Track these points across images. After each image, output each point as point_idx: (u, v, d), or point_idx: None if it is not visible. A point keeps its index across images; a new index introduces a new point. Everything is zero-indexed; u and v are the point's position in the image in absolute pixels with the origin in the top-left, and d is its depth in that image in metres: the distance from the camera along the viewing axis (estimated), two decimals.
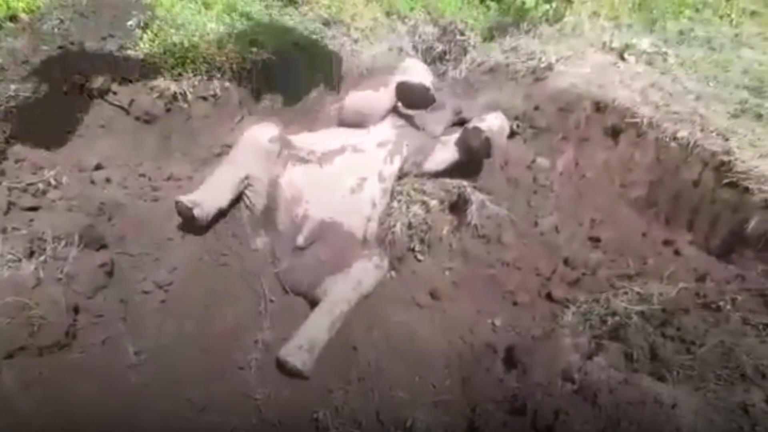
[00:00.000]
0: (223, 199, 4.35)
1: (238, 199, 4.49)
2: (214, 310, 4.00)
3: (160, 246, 4.29)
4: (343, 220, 4.33)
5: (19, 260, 3.52)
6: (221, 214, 4.41)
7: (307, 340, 3.78)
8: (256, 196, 4.43)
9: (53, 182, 4.25)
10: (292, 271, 4.23)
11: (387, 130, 4.84)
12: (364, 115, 4.92)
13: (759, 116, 4.99)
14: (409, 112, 5.04)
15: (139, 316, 3.84)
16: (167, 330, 3.83)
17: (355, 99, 4.99)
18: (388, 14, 6.81)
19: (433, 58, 6.69)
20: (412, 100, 4.91)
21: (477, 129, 4.75)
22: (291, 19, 6.54)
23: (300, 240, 4.25)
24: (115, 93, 4.96)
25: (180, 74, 5.42)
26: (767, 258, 4.10)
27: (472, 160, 4.91)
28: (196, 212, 4.17)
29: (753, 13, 6.36)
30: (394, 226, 4.39)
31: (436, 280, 4.37)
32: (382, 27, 6.62)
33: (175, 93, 5.29)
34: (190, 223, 4.26)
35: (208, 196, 4.30)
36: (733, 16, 6.23)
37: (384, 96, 4.95)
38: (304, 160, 4.50)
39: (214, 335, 3.86)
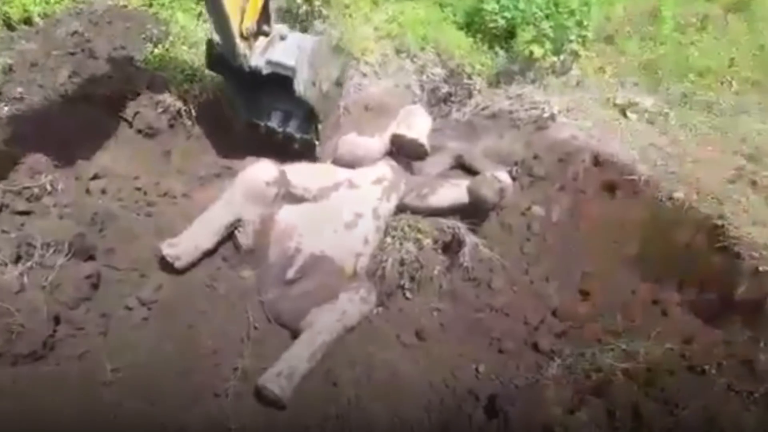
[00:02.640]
0: (209, 242, 4.32)
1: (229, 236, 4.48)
2: (196, 332, 3.94)
3: (148, 262, 4.25)
4: (334, 254, 4.33)
5: (5, 264, 3.48)
6: (208, 254, 4.37)
7: (287, 367, 3.73)
8: (245, 235, 4.41)
9: (49, 188, 4.22)
10: (279, 302, 4.20)
11: (384, 167, 4.87)
12: (358, 157, 4.98)
13: (754, 183, 5.04)
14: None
15: (120, 332, 3.79)
16: (146, 348, 3.76)
17: (352, 142, 5.04)
18: (398, 52, 6.89)
19: (438, 99, 6.75)
20: (406, 152, 4.97)
21: (495, 178, 4.78)
22: None
23: (290, 273, 4.24)
24: (120, 104, 4.97)
25: (187, 91, 5.47)
26: (755, 325, 4.09)
27: (478, 207, 4.91)
28: (177, 264, 4.15)
29: (754, 83, 6.47)
30: (386, 261, 4.38)
31: (423, 319, 4.35)
32: (391, 64, 6.69)
33: (180, 109, 5.33)
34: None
35: (195, 239, 4.25)
36: (734, 83, 6.34)
37: (379, 143, 5.04)
38: (300, 198, 4.52)
39: (193, 358, 3.80)
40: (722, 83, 6.34)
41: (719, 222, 4.64)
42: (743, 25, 7.31)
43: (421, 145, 4.89)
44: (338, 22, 6.93)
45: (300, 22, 6.77)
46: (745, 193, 4.94)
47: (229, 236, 4.42)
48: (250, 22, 4.46)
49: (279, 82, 4.60)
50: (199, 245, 4.26)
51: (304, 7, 6.66)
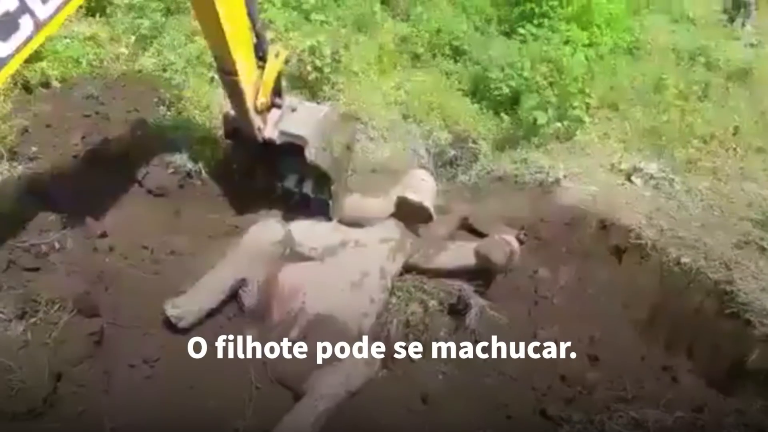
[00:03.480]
0: (212, 302, 4.27)
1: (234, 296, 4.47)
2: (198, 392, 3.87)
3: (152, 320, 4.22)
4: (340, 314, 4.27)
5: (10, 320, 3.48)
6: (211, 314, 4.32)
7: None
8: (249, 296, 4.36)
9: (57, 245, 4.24)
10: (281, 363, 4.13)
11: (391, 227, 4.89)
12: (363, 218, 5.01)
13: (762, 249, 5.04)
14: None
15: (121, 391, 3.72)
16: (147, 408, 3.68)
17: (356, 202, 5.10)
18: (405, 117, 7.06)
19: (444, 162, 6.86)
20: (410, 216, 4.98)
21: (504, 241, 4.77)
22: None
23: (293, 333, 4.19)
24: (131, 165, 5.06)
25: (198, 153, 5.57)
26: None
27: (486, 270, 4.90)
28: (180, 324, 4.12)
29: (758, 149, 6.56)
30: (391, 322, 4.33)
31: (429, 383, 4.24)
32: (398, 128, 6.84)
33: (191, 170, 5.41)
34: None
35: (199, 300, 4.22)
36: (738, 150, 6.42)
37: (383, 204, 5.04)
38: (306, 257, 4.52)
39: (194, 419, 3.71)
40: (726, 150, 6.42)
41: (728, 288, 4.63)
42: (744, 93, 7.46)
43: (426, 209, 4.91)
44: (347, 88, 7.13)
45: (310, 88, 6.97)
46: (754, 259, 4.94)
47: (234, 295, 4.40)
48: (264, 98, 4.73)
49: (293, 149, 4.80)
50: (203, 306, 4.24)
51: (314, 75, 6.86)
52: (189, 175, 5.39)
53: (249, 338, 4.25)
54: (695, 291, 4.71)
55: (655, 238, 5.06)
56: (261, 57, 4.79)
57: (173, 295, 4.21)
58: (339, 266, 4.51)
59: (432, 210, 4.96)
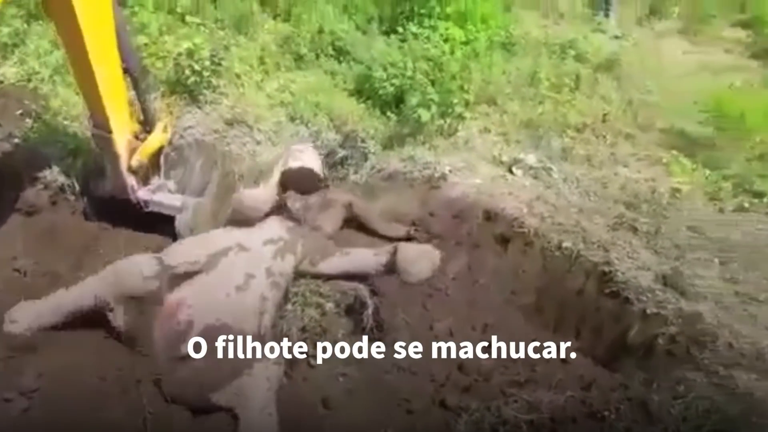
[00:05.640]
0: (52, 321, 4.10)
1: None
2: (83, 420, 3.63)
3: (27, 348, 3.93)
4: (232, 320, 4.15)
5: None
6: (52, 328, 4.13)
7: None
8: (119, 319, 4.15)
9: None
10: (178, 381, 3.96)
11: (276, 228, 4.78)
12: (248, 209, 4.87)
13: (635, 230, 5.38)
14: (298, 208, 5.05)
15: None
16: None
17: (239, 197, 4.95)
18: (291, 119, 6.95)
19: (334, 163, 6.81)
20: (299, 187, 4.87)
21: (426, 251, 4.96)
22: (193, 117, 6.55)
23: (184, 349, 4.02)
24: None
25: (70, 166, 5.25)
26: (648, 366, 4.28)
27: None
28: (11, 329, 3.98)
29: (627, 135, 6.99)
30: (289, 330, 4.25)
31: (330, 387, 4.20)
32: (286, 130, 6.72)
33: (63, 185, 5.09)
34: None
35: (39, 316, 4.06)
36: (608, 137, 6.82)
37: (268, 192, 4.95)
38: (186, 275, 4.35)
39: None
40: (598, 137, 6.79)
41: (607, 269, 4.90)
42: (612, 83, 7.94)
43: (311, 171, 4.86)
44: (229, 92, 6.93)
45: (190, 92, 6.72)
46: (628, 239, 5.26)
47: (87, 318, 4.16)
48: (142, 159, 4.96)
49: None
50: (42, 323, 4.05)
51: (193, 79, 6.62)
52: (62, 189, 5.08)
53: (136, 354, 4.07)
54: (577, 273, 4.96)
55: (537, 225, 5.28)
56: (148, 130, 5.01)
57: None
58: (222, 274, 4.39)
59: (319, 172, 4.87)
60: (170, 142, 5.50)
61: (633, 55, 8.65)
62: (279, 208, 4.92)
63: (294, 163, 4.94)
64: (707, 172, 6.27)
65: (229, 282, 4.33)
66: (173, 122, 5.38)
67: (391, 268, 4.80)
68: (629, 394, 3.88)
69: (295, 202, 5.03)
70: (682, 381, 3.97)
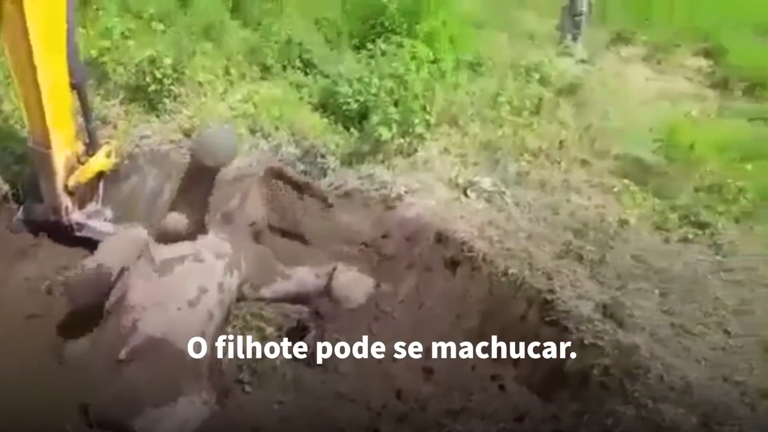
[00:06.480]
0: None
1: None
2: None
3: None
4: (176, 338, 4.11)
5: None
6: None
7: None
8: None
9: None
10: (109, 395, 3.87)
11: (220, 241, 4.75)
12: (172, 233, 4.70)
13: (580, 258, 5.47)
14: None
15: None
16: None
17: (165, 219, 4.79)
18: (252, 131, 6.94)
19: None
20: (211, 152, 4.50)
21: (361, 278, 5.05)
22: (150, 126, 6.53)
23: (122, 354, 3.96)
24: None
25: (17, 174, 5.20)
26: (582, 397, 4.36)
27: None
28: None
29: (582, 162, 7.10)
30: (225, 355, 4.23)
31: (263, 416, 4.15)
32: (245, 142, 6.71)
33: (6, 193, 5.05)
34: None
35: None
36: (563, 163, 6.92)
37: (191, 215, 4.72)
38: (143, 273, 4.33)
39: None
40: (552, 163, 6.89)
41: (549, 296, 4.98)
42: (572, 108, 8.05)
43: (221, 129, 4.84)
44: (190, 101, 6.91)
45: (149, 101, 6.70)
46: (573, 267, 5.35)
47: None
48: (80, 180, 4.84)
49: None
50: None
51: (154, 86, 6.59)
52: (5, 198, 5.02)
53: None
54: (520, 300, 5.03)
55: (486, 250, 5.35)
56: (90, 153, 4.90)
57: None
58: (177, 284, 4.35)
59: (227, 136, 4.73)
60: (115, 169, 5.42)
61: (596, 80, 8.77)
62: (202, 228, 4.79)
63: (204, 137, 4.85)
64: (656, 201, 6.40)
65: (182, 294, 4.29)
66: (120, 150, 5.28)
67: (328, 292, 4.83)
68: (560, 426, 3.96)
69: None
70: (611, 414, 4.07)
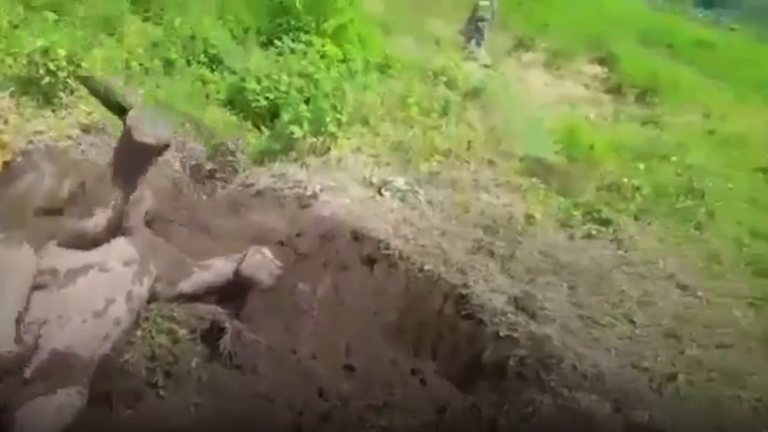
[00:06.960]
0: None
1: None
2: None
3: None
4: (81, 350, 3.86)
5: None
6: None
7: None
8: None
9: None
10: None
11: (128, 247, 4.49)
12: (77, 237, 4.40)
13: (492, 253, 5.66)
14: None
15: None
16: None
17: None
18: None
19: (202, 176, 6.59)
20: (152, 131, 4.33)
21: (268, 259, 4.82)
22: (45, 121, 6.10)
23: (27, 373, 3.68)
24: None
25: None
26: (500, 388, 4.49)
27: (241, 289, 4.81)
28: None
29: (489, 161, 7.34)
30: (132, 356, 4.00)
31: (179, 420, 3.97)
32: None
33: None
34: None
35: None
36: (472, 163, 7.13)
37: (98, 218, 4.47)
38: (43, 285, 4.01)
39: None
40: (462, 163, 7.08)
41: (464, 291, 5.10)
42: (478, 110, 8.32)
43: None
44: (87, 95, 6.51)
45: (44, 94, 6.25)
46: (485, 263, 5.51)
47: None
48: None
49: None
50: None
51: (48, 79, 6.16)
52: None
53: None
54: (436, 295, 5.12)
55: (402, 247, 5.41)
56: None
57: None
58: (82, 296, 4.06)
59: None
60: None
61: (499, 85, 9.11)
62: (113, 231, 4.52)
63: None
64: (561, 199, 6.73)
65: (88, 306, 4.01)
66: (12, 146, 4.85)
67: (237, 274, 4.76)
68: (481, 416, 4.06)
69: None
70: (530, 403, 4.22)
